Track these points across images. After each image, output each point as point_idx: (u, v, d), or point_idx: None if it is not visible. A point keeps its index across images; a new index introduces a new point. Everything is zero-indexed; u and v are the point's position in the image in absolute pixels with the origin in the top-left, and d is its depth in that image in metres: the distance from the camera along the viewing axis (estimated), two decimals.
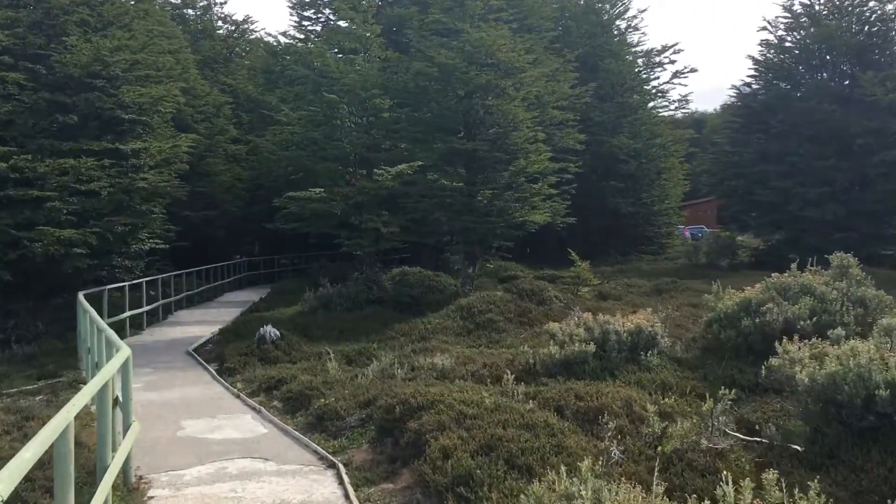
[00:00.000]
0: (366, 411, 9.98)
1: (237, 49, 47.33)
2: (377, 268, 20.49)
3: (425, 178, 18.93)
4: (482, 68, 17.94)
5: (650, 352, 9.88)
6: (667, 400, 8.71)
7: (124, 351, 7.56)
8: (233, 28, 46.05)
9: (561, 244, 37.86)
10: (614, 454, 6.98)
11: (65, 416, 4.70)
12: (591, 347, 9.74)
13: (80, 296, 14.89)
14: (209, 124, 34.90)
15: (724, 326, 9.96)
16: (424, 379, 10.88)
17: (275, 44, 31.75)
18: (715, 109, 72.31)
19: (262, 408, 11.22)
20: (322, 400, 10.61)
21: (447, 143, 18.31)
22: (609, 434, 7.27)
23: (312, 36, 24.28)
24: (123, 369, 7.53)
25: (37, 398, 12.58)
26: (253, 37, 46.51)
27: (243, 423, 10.48)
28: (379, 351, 14.76)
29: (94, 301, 20.78)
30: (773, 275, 11.67)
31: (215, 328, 20.02)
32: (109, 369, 6.55)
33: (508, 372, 9.30)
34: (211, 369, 14.45)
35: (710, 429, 7.49)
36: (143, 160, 17.17)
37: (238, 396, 12.13)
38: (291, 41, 27.88)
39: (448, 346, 15.01)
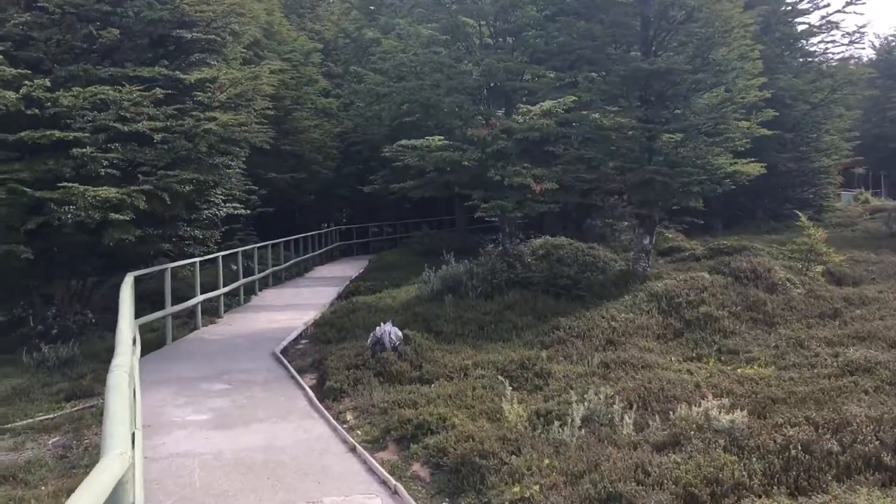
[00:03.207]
0: None
1: None
2: (518, 239, 15.52)
3: (587, 115, 13.72)
4: None
5: None
6: None
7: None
8: None
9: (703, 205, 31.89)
10: None
11: None
12: None
13: (127, 280, 10.31)
14: (296, 73, 30.51)
15: None
16: (706, 450, 5.85)
17: None
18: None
19: (398, 484, 6.49)
20: (514, 487, 5.77)
21: (625, 63, 12.95)
22: None
23: None
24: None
25: (50, 441, 8.27)
26: None
27: None
28: (552, 365, 9.87)
29: (150, 284, 16.67)
30: None
31: (309, 316, 15.60)
32: None
33: None
34: (307, 388, 9.87)
35: None
36: (213, 94, 12.62)
37: (354, 450, 7.44)
38: None
39: (653, 355, 9.98)
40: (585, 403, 7.25)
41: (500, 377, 9.01)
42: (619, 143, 13.48)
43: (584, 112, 13.85)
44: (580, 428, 6.93)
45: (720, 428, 6.00)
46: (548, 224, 23.77)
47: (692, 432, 6.09)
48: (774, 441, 5.69)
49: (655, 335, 11.01)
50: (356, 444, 7.55)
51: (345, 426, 8.49)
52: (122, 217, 10.55)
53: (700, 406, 6.37)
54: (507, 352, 10.77)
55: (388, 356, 10.18)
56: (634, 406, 7.49)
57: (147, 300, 16.20)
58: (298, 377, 10.45)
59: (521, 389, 9.29)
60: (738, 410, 6.24)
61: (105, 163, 10.96)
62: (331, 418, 8.55)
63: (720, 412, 6.18)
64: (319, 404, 9.13)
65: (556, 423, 7.04)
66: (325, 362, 10.66)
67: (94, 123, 10.81)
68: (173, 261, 15.36)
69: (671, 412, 7.30)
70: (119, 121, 10.97)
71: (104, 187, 10.39)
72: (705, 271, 13.24)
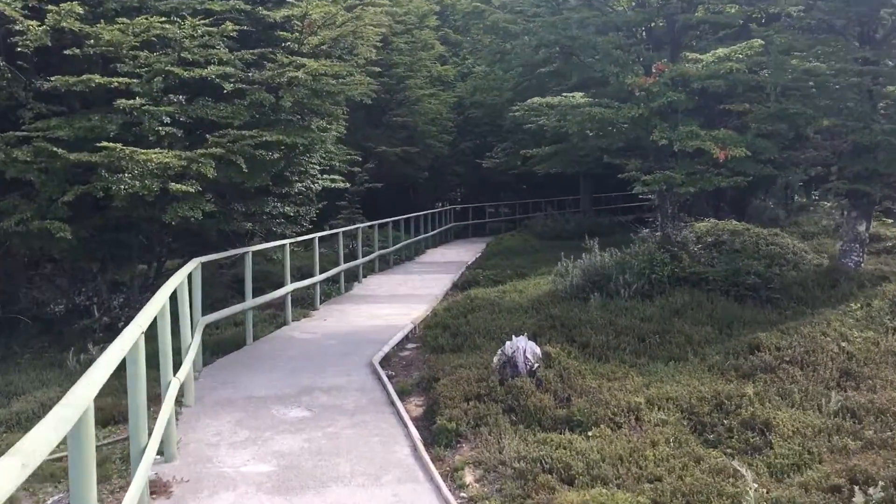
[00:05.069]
0: None
1: None
2: (682, 223, 12.25)
3: (784, 60, 10.25)
4: None
5: None
6: None
7: None
8: None
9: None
10: None
11: None
12: None
13: (184, 270, 7.81)
14: (410, 38, 28.02)
15: None
16: None
17: None
18: None
19: None
20: None
21: None
22: None
23: None
24: None
25: (49, 500, 5.88)
26: None
27: None
28: (766, 408, 6.67)
29: (240, 269, 14.53)
30: None
31: (418, 312, 12.98)
32: None
33: None
34: (410, 424, 7.13)
35: None
36: (301, 35, 10.05)
37: None
38: None
39: None
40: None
41: (685, 421, 5.95)
42: (838, 95, 9.92)
43: (782, 57, 10.38)
44: None
45: None
46: (697, 204, 20.08)
47: None
48: None
49: None
50: None
51: (463, 497, 5.72)
52: (186, 188, 8.12)
53: None
54: (689, 381, 7.67)
55: (524, 384, 7.29)
56: None
57: (233, 288, 14.10)
58: (400, 405, 7.74)
59: (721, 446, 6.23)
60: None
61: (166, 119, 8.58)
62: (442, 484, 5.77)
63: None
64: (426, 455, 6.37)
65: None
66: (436, 386, 7.90)
67: (147, 68, 8.45)
68: (264, 241, 13.10)
69: None
70: (180, 64, 8.58)
71: (156, 150, 8.00)
72: None
